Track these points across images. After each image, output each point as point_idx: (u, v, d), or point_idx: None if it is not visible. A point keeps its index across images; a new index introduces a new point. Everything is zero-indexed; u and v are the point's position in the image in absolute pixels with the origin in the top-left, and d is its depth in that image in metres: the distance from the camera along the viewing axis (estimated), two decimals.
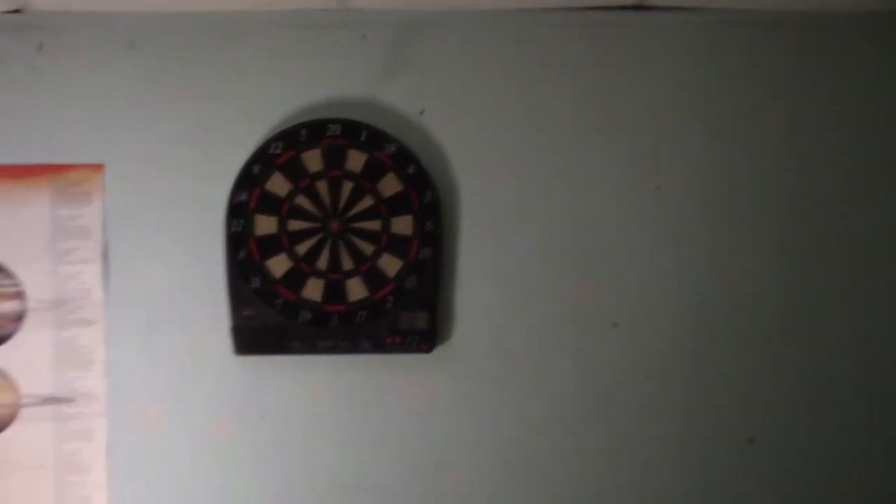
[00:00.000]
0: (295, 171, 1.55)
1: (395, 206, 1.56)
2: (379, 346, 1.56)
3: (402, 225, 1.56)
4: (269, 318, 1.54)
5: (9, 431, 1.58)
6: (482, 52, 1.60)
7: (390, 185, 1.56)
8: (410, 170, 1.56)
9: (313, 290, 1.55)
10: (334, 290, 1.55)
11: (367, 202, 1.56)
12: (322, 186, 1.56)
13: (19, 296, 1.58)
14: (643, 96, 1.60)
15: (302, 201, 1.56)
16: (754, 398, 1.61)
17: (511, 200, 1.60)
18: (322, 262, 1.55)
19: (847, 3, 1.58)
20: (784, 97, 1.62)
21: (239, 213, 1.55)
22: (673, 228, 1.60)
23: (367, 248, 1.56)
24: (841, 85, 1.62)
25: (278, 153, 1.55)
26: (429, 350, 1.57)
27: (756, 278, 1.61)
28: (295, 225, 1.55)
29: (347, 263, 1.56)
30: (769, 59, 1.61)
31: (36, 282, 1.58)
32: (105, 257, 1.58)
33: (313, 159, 1.56)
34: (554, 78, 1.60)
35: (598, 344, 1.60)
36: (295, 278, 1.55)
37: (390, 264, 1.56)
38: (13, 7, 1.55)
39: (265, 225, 1.55)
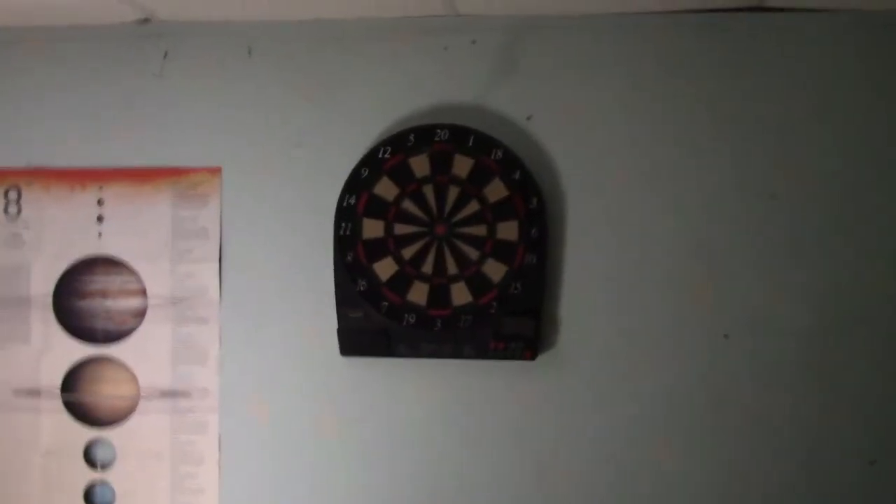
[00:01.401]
0: (402, 176, 1.57)
1: (501, 211, 1.55)
2: (482, 352, 1.55)
3: (508, 230, 1.55)
4: (375, 320, 1.56)
5: (130, 421, 1.66)
6: (592, 56, 1.58)
7: (496, 190, 1.56)
8: (516, 175, 1.55)
9: (418, 293, 1.56)
10: (439, 295, 1.56)
11: (472, 207, 1.56)
12: (429, 191, 1.57)
13: (141, 292, 1.66)
14: (760, 100, 1.54)
15: (408, 205, 1.57)
16: (877, 417, 1.52)
17: (619, 207, 1.57)
18: (427, 266, 1.57)
19: None
20: None
21: (347, 216, 1.58)
22: (788, 236, 1.53)
23: (472, 252, 1.56)
24: None
25: (387, 157, 1.57)
26: (532, 357, 1.55)
27: (879, 290, 1.52)
28: (401, 229, 1.57)
29: (452, 268, 1.56)
30: (891, 60, 1.53)
31: (156, 279, 1.65)
32: (221, 257, 1.64)
33: (421, 164, 1.57)
34: (667, 81, 1.56)
35: (706, 354, 1.55)
36: (400, 282, 1.56)
37: (495, 270, 1.55)
38: (142, 16, 1.63)
39: (372, 228, 1.57)
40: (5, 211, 1.68)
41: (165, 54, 1.65)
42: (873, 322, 1.53)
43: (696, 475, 1.55)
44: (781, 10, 1.53)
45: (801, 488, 1.54)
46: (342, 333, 1.58)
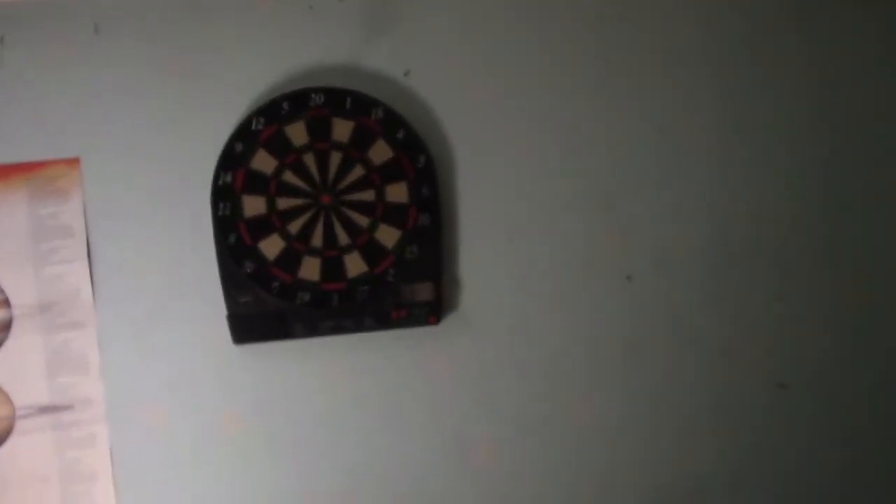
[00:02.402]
0: (280, 146, 1.48)
1: (388, 173, 1.48)
2: (384, 322, 1.48)
3: (397, 192, 1.48)
4: (267, 302, 1.47)
5: (8, 445, 1.51)
6: (467, 3, 1.52)
7: (380, 151, 1.48)
8: (400, 134, 1.48)
9: (310, 269, 1.48)
10: (332, 268, 1.48)
11: (357, 172, 1.48)
12: (309, 159, 1.48)
13: (4, 303, 1.51)
14: (644, 31, 1.53)
15: (290, 177, 1.48)
16: (784, 342, 1.54)
17: (509, 157, 1.52)
18: (317, 239, 1.48)
19: None
20: (797, 27, 1.54)
21: (225, 195, 1.47)
22: (679, 170, 1.52)
23: (363, 220, 1.48)
24: None
25: (261, 129, 1.48)
26: (437, 321, 1.49)
27: (771, 215, 1.53)
28: (285, 203, 1.48)
29: (343, 238, 1.48)
30: None
31: (20, 287, 1.51)
32: (90, 255, 1.51)
33: (298, 132, 1.48)
34: (547, 23, 1.52)
35: (612, 298, 1.52)
36: (290, 259, 1.47)
37: (388, 235, 1.48)
38: None
39: (253, 205, 1.47)
40: None
41: (2, 40, 1.51)
42: (768, 248, 1.54)
43: (614, 421, 1.53)
44: None
45: (715, 419, 1.53)
46: (233, 320, 1.47)
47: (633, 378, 1.53)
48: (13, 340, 1.51)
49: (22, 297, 1.51)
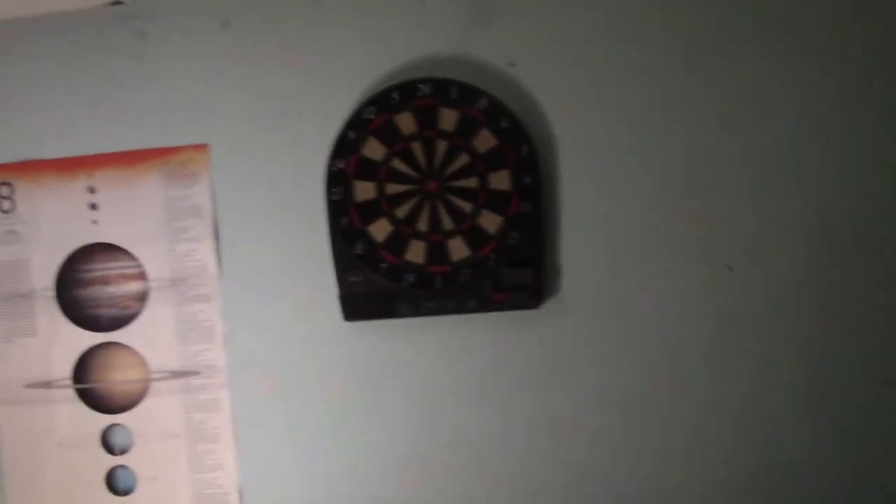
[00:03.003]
0: (389, 135, 1.55)
1: (492, 161, 1.53)
2: (485, 305, 1.54)
3: (500, 180, 1.53)
4: (375, 283, 1.55)
5: (143, 404, 1.67)
6: None
7: (484, 140, 1.53)
8: (504, 123, 1.53)
9: (416, 252, 1.55)
10: (437, 251, 1.55)
11: (462, 160, 1.54)
12: (417, 148, 1.55)
13: (141, 276, 1.66)
14: (741, 22, 1.50)
15: (398, 164, 1.55)
16: (890, 338, 1.50)
17: (612, 146, 1.54)
18: (423, 223, 1.55)
19: None
20: None
21: (338, 180, 1.56)
22: (782, 160, 1.50)
23: (466, 206, 1.54)
24: None
25: (371, 118, 1.55)
26: (537, 305, 1.54)
27: (883, 201, 1.49)
28: (393, 188, 1.55)
29: (448, 223, 1.54)
30: None
31: (155, 262, 1.65)
32: (216, 234, 1.64)
33: (406, 121, 1.55)
34: (650, 13, 1.52)
35: (712, 286, 1.52)
36: (397, 242, 1.55)
37: (491, 221, 1.54)
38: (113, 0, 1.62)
39: (364, 190, 1.56)
40: (0, 207, 1.69)
41: (142, 35, 1.64)
42: (870, 238, 1.49)
43: (707, 411, 1.54)
44: None
45: (813, 413, 1.52)
46: (344, 299, 1.57)
47: (730, 368, 1.53)
48: (148, 311, 1.66)
49: (157, 271, 1.65)
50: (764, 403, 1.52)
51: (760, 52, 1.50)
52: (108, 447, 1.67)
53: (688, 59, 1.52)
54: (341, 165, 1.56)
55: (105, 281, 1.66)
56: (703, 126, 1.52)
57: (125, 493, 1.67)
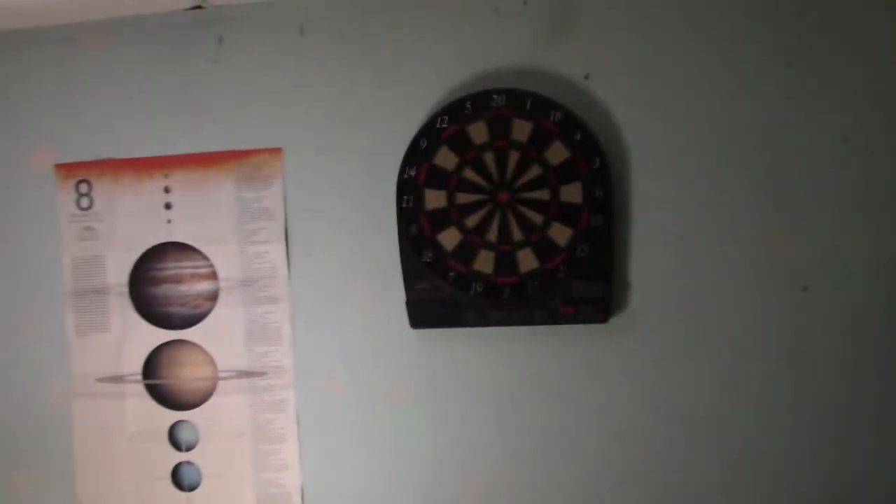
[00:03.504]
0: (461, 144, 1.55)
1: (564, 173, 1.53)
2: (552, 317, 1.54)
3: (571, 192, 1.53)
4: (443, 291, 1.56)
5: (210, 402, 1.70)
6: (647, 9, 1.52)
7: (557, 152, 1.53)
8: (577, 136, 1.52)
9: (484, 262, 1.55)
10: (505, 262, 1.54)
11: (534, 171, 1.54)
12: (489, 158, 1.55)
13: (212, 276, 1.68)
14: (829, 40, 1.47)
15: (469, 174, 1.55)
16: None
17: (685, 161, 1.52)
18: (492, 233, 1.55)
19: None
20: None
21: (409, 188, 1.57)
22: (863, 181, 1.47)
23: (537, 217, 1.54)
24: None
25: (444, 127, 1.56)
26: (604, 320, 1.53)
27: None
28: (463, 198, 1.56)
29: (517, 234, 1.54)
30: None
31: (226, 262, 1.68)
32: (287, 237, 1.66)
33: (479, 131, 1.55)
34: (727, 29, 1.50)
35: (785, 309, 1.50)
36: (466, 251, 1.55)
37: (561, 233, 1.53)
38: (194, 4, 1.64)
39: (434, 199, 1.56)
40: (77, 204, 1.73)
41: (220, 39, 1.66)
42: None
43: (777, 433, 1.51)
44: None
45: (885, 427, 1.48)
46: (411, 305, 1.58)
47: (800, 391, 1.50)
48: (219, 310, 1.69)
49: (228, 271, 1.68)
50: (838, 426, 1.50)
51: (851, 73, 1.47)
52: (176, 443, 1.71)
53: (771, 77, 1.49)
54: (412, 173, 1.57)
55: (177, 279, 1.70)
56: (785, 147, 1.49)
57: (190, 488, 1.70)
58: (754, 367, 1.52)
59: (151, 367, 1.71)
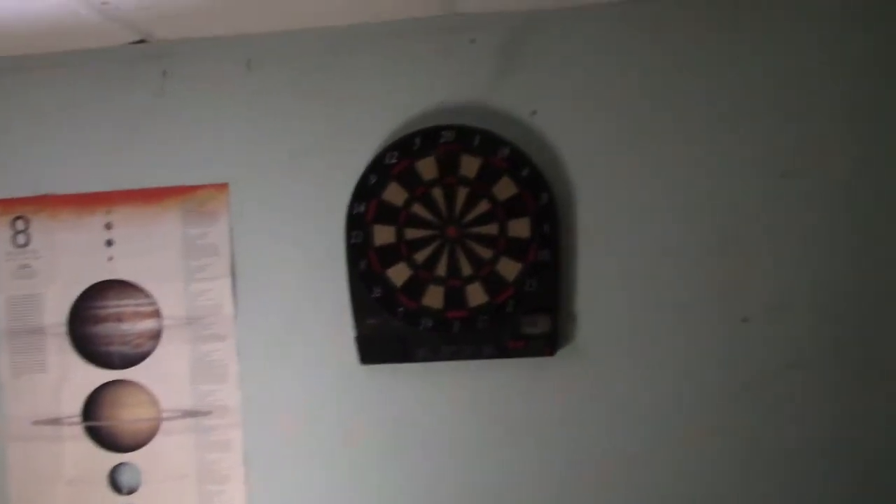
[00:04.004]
0: (411, 180, 1.57)
1: (511, 209, 1.55)
2: (502, 351, 1.55)
3: (519, 228, 1.55)
4: (392, 326, 1.56)
5: (153, 443, 1.66)
6: (593, 48, 1.56)
7: (505, 188, 1.55)
8: (525, 172, 1.55)
9: (434, 297, 1.56)
10: (454, 297, 1.55)
11: (483, 206, 1.56)
12: (438, 193, 1.56)
13: (156, 314, 1.65)
14: (766, 80, 1.53)
15: (418, 209, 1.56)
16: None
17: (630, 197, 1.56)
18: (441, 268, 1.56)
19: None
20: None
21: (358, 224, 1.57)
22: (801, 216, 1.52)
23: (486, 252, 1.55)
24: None
25: (393, 163, 1.57)
26: (552, 353, 1.55)
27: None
28: (413, 233, 1.56)
29: (466, 269, 1.56)
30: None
31: (170, 300, 1.65)
32: (233, 273, 1.64)
33: (428, 167, 1.56)
34: (671, 68, 1.55)
35: (727, 339, 1.54)
36: (415, 286, 1.56)
37: (509, 268, 1.55)
38: (138, 38, 1.62)
39: (384, 235, 1.57)
40: (13, 241, 1.68)
41: (164, 73, 1.65)
42: (892, 295, 1.52)
43: (721, 461, 1.55)
44: None
45: (832, 463, 1.53)
46: (360, 341, 1.57)
47: (742, 420, 1.54)
48: (162, 348, 1.65)
49: (172, 308, 1.65)
50: (775, 454, 1.53)
51: (783, 109, 1.53)
52: (117, 486, 1.66)
53: (711, 114, 1.55)
54: (361, 209, 1.57)
55: (119, 318, 1.66)
56: (726, 181, 1.54)
57: None
58: (697, 396, 1.55)
59: (91, 408, 1.66)
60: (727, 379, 1.54)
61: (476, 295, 1.55)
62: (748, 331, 1.54)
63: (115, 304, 1.66)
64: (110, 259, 1.66)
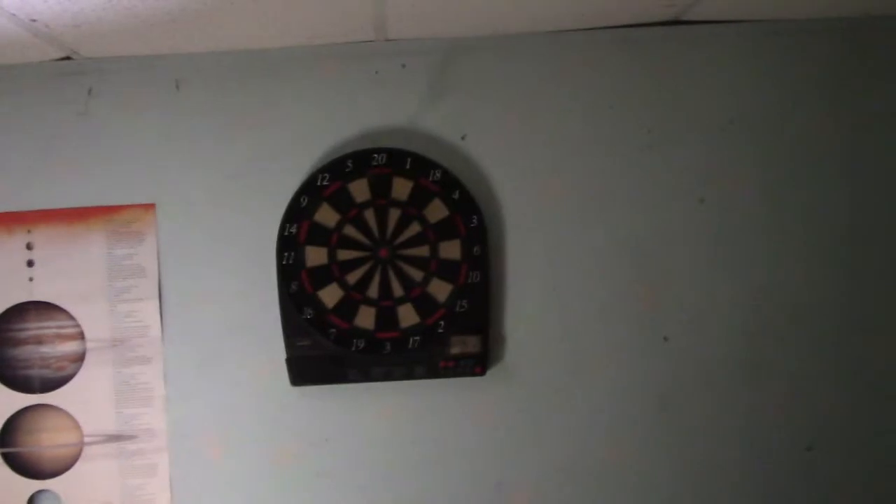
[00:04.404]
0: (342, 202, 1.58)
1: (443, 231, 1.58)
2: (433, 371, 1.57)
3: (450, 249, 1.57)
4: (324, 347, 1.56)
5: (75, 469, 1.61)
6: (521, 74, 1.61)
7: (436, 210, 1.58)
8: (455, 195, 1.58)
9: (365, 318, 1.57)
10: (386, 317, 1.57)
11: (414, 228, 1.58)
12: (370, 215, 1.58)
13: (79, 336, 1.61)
14: (685, 111, 1.61)
15: (350, 231, 1.58)
16: (810, 408, 1.61)
17: (557, 220, 1.61)
18: (373, 290, 1.57)
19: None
20: (828, 100, 1.61)
21: (289, 245, 1.57)
22: (718, 239, 1.60)
23: (417, 273, 1.57)
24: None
25: (325, 184, 1.58)
26: (482, 372, 1.58)
27: (806, 289, 1.61)
28: (345, 255, 1.57)
29: (398, 290, 1.57)
30: (808, 65, 1.61)
31: (94, 322, 1.61)
32: (160, 294, 1.61)
33: (360, 189, 1.58)
34: (594, 95, 1.61)
35: (648, 357, 1.60)
36: (347, 307, 1.57)
37: (440, 289, 1.57)
38: (62, 55, 1.59)
39: (315, 256, 1.57)
40: None
41: (90, 91, 1.62)
42: (803, 319, 1.61)
43: (645, 475, 1.61)
44: (699, 22, 1.59)
45: (743, 477, 1.61)
46: (291, 363, 1.57)
47: (664, 434, 1.60)
48: (85, 371, 1.61)
49: (96, 331, 1.61)
50: (699, 463, 1.60)
51: (705, 135, 1.61)
52: None
53: (635, 139, 1.61)
54: (293, 230, 1.57)
55: (39, 340, 1.61)
56: (647, 207, 1.61)
57: None
58: (623, 413, 1.61)
59: (8, 433, 1.60)
60: (649, 394, 1.60)
61: (408, 315, 1.57)
62: (668, 348, 1.60)
63: (35, 326, 1.61)
64: (31, 280, 1.61)
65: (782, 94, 1.61)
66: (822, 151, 1.61)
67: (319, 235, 1.57)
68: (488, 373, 1.59)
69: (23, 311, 1.61)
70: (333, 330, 1.56)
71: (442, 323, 1.57)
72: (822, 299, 1.61)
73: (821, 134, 1.61)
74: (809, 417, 1.60)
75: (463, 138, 1.61)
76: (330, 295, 1.57)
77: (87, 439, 1.61)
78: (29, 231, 1.61)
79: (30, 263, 1.61)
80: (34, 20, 1.34)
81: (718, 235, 1.60)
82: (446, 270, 1.57)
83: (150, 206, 1.62)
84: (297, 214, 1.57)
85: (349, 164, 1.58)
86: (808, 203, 1.61)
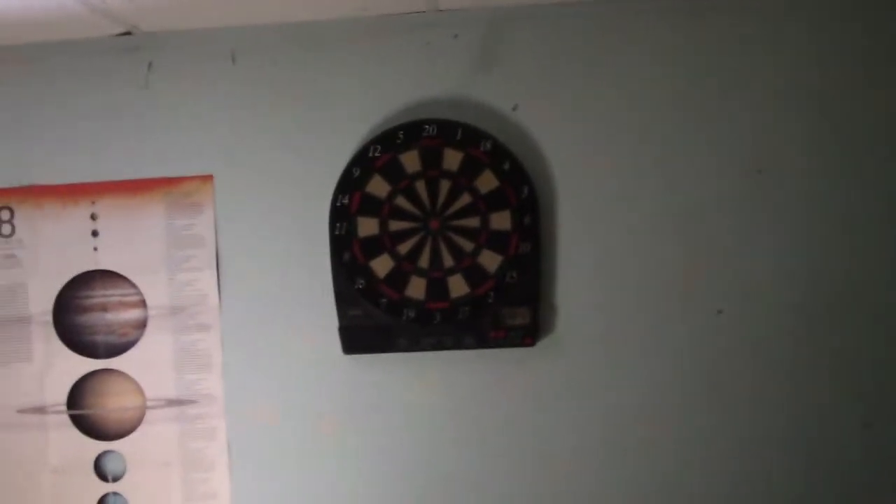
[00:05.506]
0: (394, 173, 1.59)
1: (493, 202, 1.58)
2: (483, 342, 1.58)
3: (501, 220, 1.57)
4: (375, 317, 1.58)
5: (138, 432, 1.67)
6: (573, 43, 1.59)
7: (487, 181, 1.58)
8: (506, 165, 1.57)
9: (416, 288, 1.58)
10: (436, 288, 1.58)
11: (464, 199, 1.58)
12: (420, 186, 1.59)
13: (141, 304, 1.67)
14: (745, 77, 1.56)
15: (401, 202, 1.59)
16: (869, 384, 1.56)
17: (608, 191, 1.59)
18: (423, 260, 1.58)
19: None
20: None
21: (341, 216, 1.59)
22: (776, 211, 1.56)
23: (467, 244, 1.58)
24: None
25: (377, 156, 1.59)
26: (532, 343, 1.58)
27: (865, 262, 1.56)
28: (396, 225, 1.59)
29: (448, 261, 1.58)
30: (875, 35, 1.55)
31: (155, 290, 1.66)
32: (218, 264, 1.65)
33: (411, 160, 1.59)
34: (649, 65, 1.58)
35: (703, 331, 1.58)
36: (398, 278, 1.58)
37: (490, 260, 1.57)
38: (123, 30, 1.63)
39: (367, 227, 1.59)
40: None
41: (149, 65, 1.66)
42: (862, 293, 1.56)
43: (696, 452, 1.59)
44: None
45: (800, 457, 1.57)
46: (343, 332, 1.59)
47: (716, 409, 1.58)
48: (147, 338, 1.67)
49: (157, 299, 1.67)
50: (749, 441, 1.58)
51: (760, 105, 1.57)
52: (101, 474, 1.68)
53: (688, 110, 1.58)
54: (345, 201, 1.59)
55: (103, 308, 1.67)
56: (701, 176, 1.57)
57: None
58: (674, 386, 1.59)
59: (76, 397, 1.68)
60: (700, 369, 1.58)
61: (458, 286, 1.58)
62: (722, 322, 1.57)
63: (100, 294, 1.67)
64: (95, 249, 1.67)
65: (846, 64, 1.56)
66: (890, 126, 1.56)
67: (371, 206, 1.59)
68: (538, 344, 1.59)
69: (88, 279, 1.67)
70: (384, 300, 1.58)
71: (492, 294, 1.57)
72: (878, 274, 1.55)
73: (890, 110, 1.55)
74: (868, 394, 1.56)
75: (514, 109, 1.60)
76: (381, 265, 1.59)
77: (149, 403, 1.67)
78: (93, 202, 1.67)
79: (94, 233, 1.67)
80: None
81: (776, 207, 1.56)
82: (496, 241, 1.57)
83: (208, 178, 1.66)
84: (350, 185, 1.59)
85: (400, 135, 1.59)
86: (869, 179, 1.55)
